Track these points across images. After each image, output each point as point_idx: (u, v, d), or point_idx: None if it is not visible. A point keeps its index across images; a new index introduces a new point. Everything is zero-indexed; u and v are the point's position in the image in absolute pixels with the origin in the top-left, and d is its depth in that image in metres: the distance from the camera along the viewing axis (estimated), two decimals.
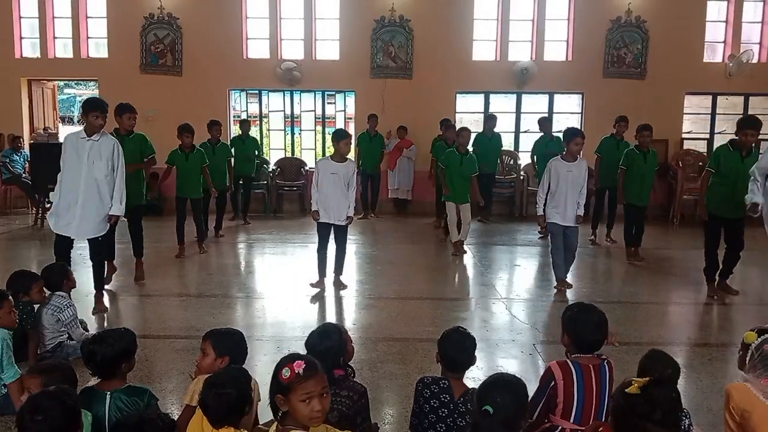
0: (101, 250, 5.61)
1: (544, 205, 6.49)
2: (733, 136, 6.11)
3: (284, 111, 12.27)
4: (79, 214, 5.30)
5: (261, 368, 4.10)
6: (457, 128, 8.85)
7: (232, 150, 9.75)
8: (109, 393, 2.79)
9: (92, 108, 5.27)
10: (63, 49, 11.91)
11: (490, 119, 10.69)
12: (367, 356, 4.48)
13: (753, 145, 5.99)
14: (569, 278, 6.62)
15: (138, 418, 2.48)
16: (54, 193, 5.47)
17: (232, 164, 9.53)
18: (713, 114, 11.96)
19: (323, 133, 12.26)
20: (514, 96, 12.05)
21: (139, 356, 3.21)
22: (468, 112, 12.02)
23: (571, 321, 2.85)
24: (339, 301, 6.15)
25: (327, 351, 2.76)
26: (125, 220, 6.15)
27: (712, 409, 3.66)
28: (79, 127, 5.53)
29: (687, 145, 11.76)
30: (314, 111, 12.30)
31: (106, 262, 5.98)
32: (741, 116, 7.51)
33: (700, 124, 12.24)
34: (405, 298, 6.23)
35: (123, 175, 5.50)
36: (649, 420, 2.01)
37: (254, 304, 6.09)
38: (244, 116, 12.14)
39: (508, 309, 5.82)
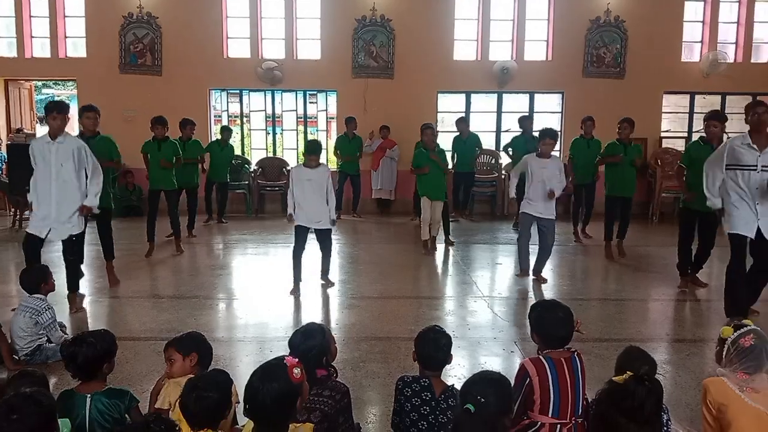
0: (74, 251, 5.58)
1: (516, 187, 6.86)
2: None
3: (265, 111, 12.22)
4: (54, 217, 5.33)
5: (243, 369, 4.09)
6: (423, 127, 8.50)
7: (207, 154, 9.72)
8: (89, 395, 2.76)
9: (49, 110, 5.33)
10: (40, 49, 11.74)
11: (461, 122, 10.66)
12: (350, 356, 4.48)
13: (722, 136, 6.16)
14: (545, 273, 6.79)
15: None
16: (30, 195, 5.46)
17: (206, 163, 9.50)
18: (691, 113, 12.11)
19: (305, 132, 12.23)
20: (495, 95, 12.12)
21: (119, 358, 3.19)
22: (449, 111, 12.06)
23: (538, 320, 2.90)
24: (322, 300, 6.15)
25: (310, 350, 2.75)
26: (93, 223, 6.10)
27: (690, 404, 3.71)
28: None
29: (666, 143, 11.91)
30: (296, 111, 12.26)
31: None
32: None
33: (678, 122, 12.40)
34: (387, 297, 6.23)
35: (98, 171, 5.50)
36: (623, 415, 2.08)
37: (236, 305, 6.06)
38: (224, 116, 12.08)
39: (490, 307, 5.86)
